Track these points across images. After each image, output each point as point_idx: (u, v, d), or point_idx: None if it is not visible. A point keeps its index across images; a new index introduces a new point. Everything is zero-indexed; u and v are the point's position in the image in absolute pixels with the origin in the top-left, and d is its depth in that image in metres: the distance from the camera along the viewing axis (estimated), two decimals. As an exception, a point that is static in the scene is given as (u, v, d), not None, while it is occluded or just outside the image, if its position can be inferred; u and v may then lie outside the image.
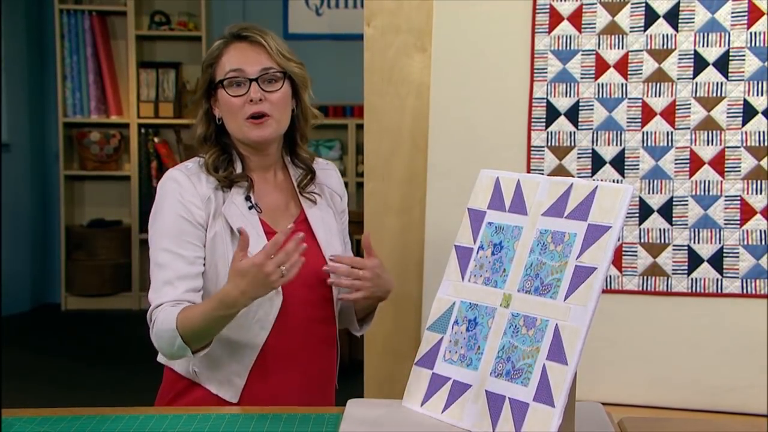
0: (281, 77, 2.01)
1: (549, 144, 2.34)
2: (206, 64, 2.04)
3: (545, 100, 2.34)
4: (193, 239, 1.97)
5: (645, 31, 2.28)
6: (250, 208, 2.01)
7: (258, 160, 2.06)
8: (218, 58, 2.02)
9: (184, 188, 1.98)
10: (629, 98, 2.29)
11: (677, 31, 2.26)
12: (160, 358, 2.07)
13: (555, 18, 2.33)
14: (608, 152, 2.30)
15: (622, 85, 2.29)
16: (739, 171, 2.22)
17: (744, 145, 2.22)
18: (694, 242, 2.24)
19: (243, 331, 1.98)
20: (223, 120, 2.03)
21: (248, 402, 2.00)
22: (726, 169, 2.23)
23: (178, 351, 1.91)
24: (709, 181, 2.24)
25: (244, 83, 1.99)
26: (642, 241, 2.27)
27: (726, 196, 2.23)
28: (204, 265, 1.98)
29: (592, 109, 2.31)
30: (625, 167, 2.29)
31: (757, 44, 2.21)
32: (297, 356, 2.02)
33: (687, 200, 2.25)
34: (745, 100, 2.22)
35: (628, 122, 2.29)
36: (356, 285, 1.98)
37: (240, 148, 2.06)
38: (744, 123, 2.22)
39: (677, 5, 2.26)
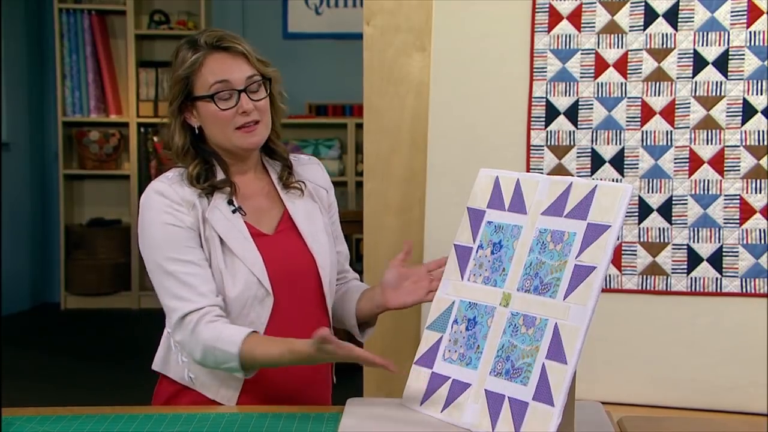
0: (264, 83, 2.01)
1: (548, 143, 2.34)
2: (182, 75, 1.98)
3: (545, 100, 2.34)
4: (191, 243, 1.95)
5: (644, 30, 2.28)
6: (233, 212, 2.01)
7: (240, 165, 2.05)
8: (197, 70, 1.98)
9: (168, 197, 1.96)
10: (629, 97, 2.29)
11: (677, 30, 2.26)
12: (156, 366, 2.07)
13: (554, 17, 2.33)
14: (608, 151, 2.30)
15: (621, 84, 2.29)
16: (739, 170, 2.22)
17: (743, 144, 2.22)
18: (694, 241, 2.24)
19: None
20: (203, 130, 2.01)
21: (245, 404, 2.00)
22: (725, 168, 2.23)
23: (227, 370, 1.91)
24: (708, 180, 2.24)
25: (232, 95, 1.97)
26: (641, 240, 2.27)
27: (725, 195, 2.23)
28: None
29: (591, 109, 2.31)
30: (625, 166, 2.29)
31: (757, 43, 2.21)
32: None
33: (686, 199, 2.25)
34: (744, 99, 2.22)
35: (627, 121, 2.29)
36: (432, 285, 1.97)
37: (222, 155, 2.04)
38: (743, 122, 2.22)
39: (677, 4, 2.26)
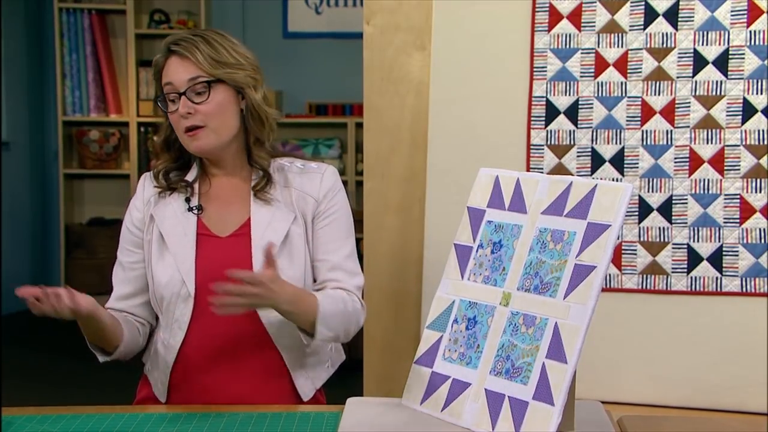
0: (208, 87, 1.97)
1: (548, 142, 2.34)
2: (154, 79, 2.06)
3: (545, 99, 2.34)
4: (129, 245, 2.09)
5: (644, 29, 2.28)
6: (188, 209, 2.04)
7: (213, 166, 2.08)
8: (160, 72, 2.02)
9: (136, 193, 2.10)
10: (629, 97, 2.29)
11: (677, 29, 2.26)
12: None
13: (554, 16, 2.33)
14: (608, 151, 2.30)
15: (621, 83, 2.29)
16: (739, 169, 2.22)
17: (743, 143, 2.22)
18: (694, 241, 2.24)
19: (166, 331, 2.04)
20: None
21: (175, 401, 2.04)
22: (725, 168, 2.23)
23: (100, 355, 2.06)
24: (708, 180, 2.24)
25: (176, 98, 1.98)
26: (641, 239, 2.27)
27: (725, 195, 2.23)
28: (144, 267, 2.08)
29: (591, 108, 2.31)
30: (625, 166, 2.29)
31: (757, 42, 2.21)
32: (221, 358, 2.01)
33: (686, 199, 2.25)
34: (744, 98, 2.22)
35: (627, 121, 2.29)
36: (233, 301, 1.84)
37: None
38: (743, 121, 2.22)
39: (677, 4, 2.26)
